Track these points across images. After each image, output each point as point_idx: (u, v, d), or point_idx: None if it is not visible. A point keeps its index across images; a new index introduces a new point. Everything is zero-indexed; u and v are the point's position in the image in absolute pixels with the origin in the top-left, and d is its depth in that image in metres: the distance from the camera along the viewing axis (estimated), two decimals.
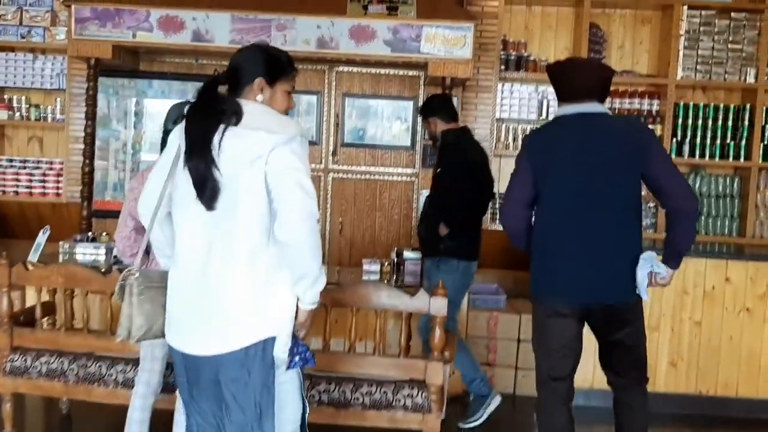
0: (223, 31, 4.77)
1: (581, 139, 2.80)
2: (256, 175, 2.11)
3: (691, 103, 5.60)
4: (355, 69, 5.37)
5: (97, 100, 5.30)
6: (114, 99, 5.37)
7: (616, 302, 2.82)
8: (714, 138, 5.58)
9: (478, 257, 4.15)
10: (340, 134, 5.40)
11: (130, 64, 5.30)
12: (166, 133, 3.14)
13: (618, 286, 2.80)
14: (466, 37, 4.75)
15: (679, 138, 5.55)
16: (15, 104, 5.66)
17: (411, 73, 5.38)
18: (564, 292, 2.82)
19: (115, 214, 4.52)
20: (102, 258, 4.34)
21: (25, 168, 5.64)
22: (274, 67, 2.34)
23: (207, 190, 2.12)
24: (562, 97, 2.92)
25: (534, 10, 5.71)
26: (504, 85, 5.57)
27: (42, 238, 4.28)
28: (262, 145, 2.12)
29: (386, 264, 4.53)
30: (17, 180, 5.61)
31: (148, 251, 3.04)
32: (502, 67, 5.49)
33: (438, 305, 3.07)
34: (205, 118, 2.15)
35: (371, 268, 4.51)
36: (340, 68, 5.37)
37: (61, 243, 4.60)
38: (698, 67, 5.56)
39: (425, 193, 5.26)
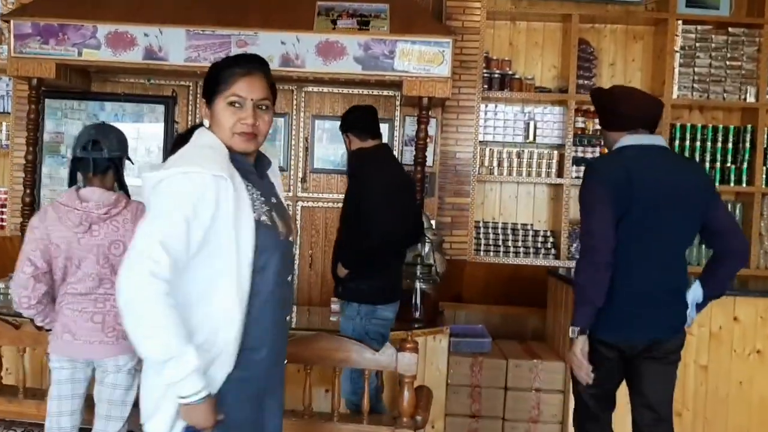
0: (177, 47, 4.35)
1: (660, 173, 2.62)
2: None
3: (688, 125, 5.23)
4: (325, 89, 4.95)
5: (44, 125, 4.89)
6: (63, 123, 4.93)
7: (672, 336, 2.75)
8: (713, 161, 5.19)
9: (394, 299, 3.56)
10: (310, 159, 4.96)
11: (80, 84, 4.86)
12: (77, 160, 2.70)
13: (675, 322, 2.75)
14: (444, 54, 4.34)
15: None
16: None
17: (385, 92, 4.97)
18: (637, 330, 2.67)
19: None
20: None
21: None
22: (208, 78, 1.92)
23: None
24: (623, 126, 2.71)
25: (519, 26, 5.33)
26: (487, 105, 5.17)
27: None
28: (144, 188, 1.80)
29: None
30: None
31: (54, 299, 2.60)
32: (485, 86, 5.10)
33: (407, 362, 2.62)
34: None
35: (339, 308, 4.05)
36: (309, 88, 4.96)
37: None
38: (695, 85, 5.19)
39: None
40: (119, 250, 2.55)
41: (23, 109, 4.86)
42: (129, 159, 2.85)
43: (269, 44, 4.33)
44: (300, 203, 4.98)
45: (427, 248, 4.14)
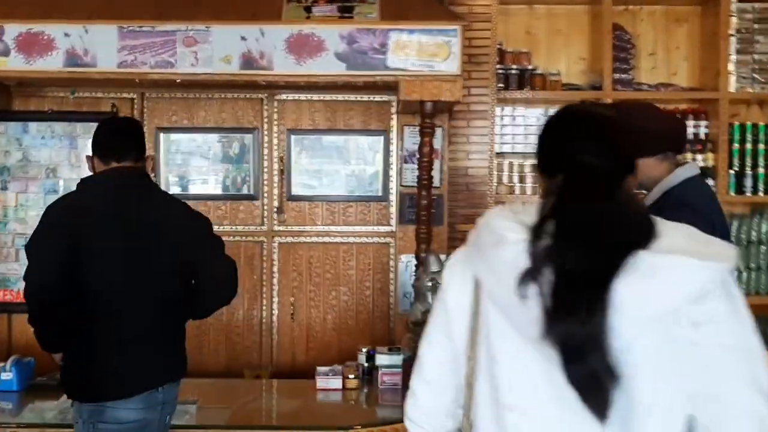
0: (108, 49, 3.38)
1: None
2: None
3: (748, 123, 4.26)
4: (302, 96, 3.98)
5: None
6: None
7: None
8: None
9: (136, 390, 2.40)
10: (287, 184, 3.98)
11: None
12: None
13: None
14: (450, 45, 3.38)
15: (737, 168, 4.19)
16: None
17: (378, 97, 4.00)
18: None
19: None
20: None
21: None
22: None
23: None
24: (654, 150, 2.33)
25: (537, 11, 4.37)
26: (503, 108, 4.20)
27: None
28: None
29: (351, 376, 3.11)
30: None
31: None
32: (500, 85, 4.13)
33: None
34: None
35: (329, 383, 3.10)
36: (282, 95, 3.98)
37: None
38: (755, 75, 4.23)
39: (406, 258, 3.87)
40: None
41: None
42: None
43: (225, 41, 3.37)
44: (276, 239, 4.00)
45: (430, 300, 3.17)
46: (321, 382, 3.08)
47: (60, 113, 3.93)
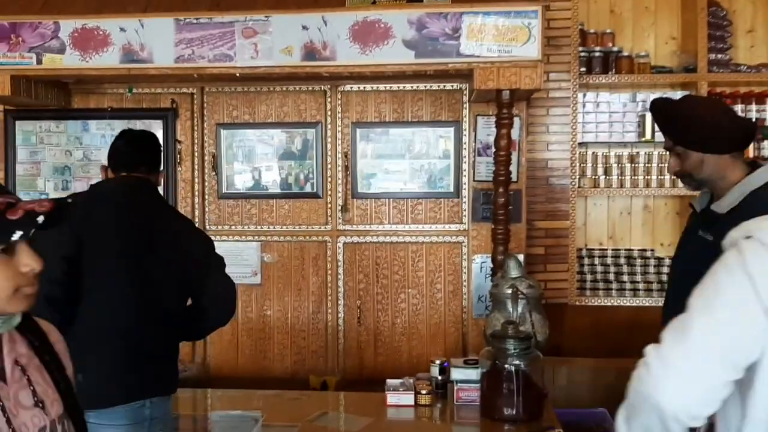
0: (164, 44, 3.21)
1: None
2: None
3: None
4: (368, 87, 3.74)
5: (15, 154, 3.85)
6: (39, 150, 3.87)
7: None
8: None
9: (107, 403, 2.28)
10: (352, 181, 3.76)
11: (56, 100, 3.79)
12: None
13: None
14: (530, 28, 3.07)
15: None
16: None
17: (449, 86, 3.72)
18: None
19: None
20: None
21: None
22: None
23: None
24: (728, 147, 2.22)
25: None
26: (586, 94, 3.87)
27: None
28: None
29: (423, 392, 2.87)
30: None
31: None
32: (582, 69, 3.80)
33: None
34: None
35: (400, 399, 2.86)
36: (347, 87, 3.75)
37: None
38: None
39: (480, 258, 3.60)
40: None
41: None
42: None
43: (286, 31, 3.15)
44: (341, 239, 3.78)
45: (520, 308, 2.90)
46: (392, 398, 2.85)
47: (119, 111, 3.80)
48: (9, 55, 3.29)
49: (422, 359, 3.52)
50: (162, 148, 2.68)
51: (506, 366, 2.73)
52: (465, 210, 3.74)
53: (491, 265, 3.39)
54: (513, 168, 3.50)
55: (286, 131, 3.76)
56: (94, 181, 3.82)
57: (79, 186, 3.83)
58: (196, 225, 3.54)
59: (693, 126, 2.25)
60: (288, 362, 3.80)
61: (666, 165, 3.76)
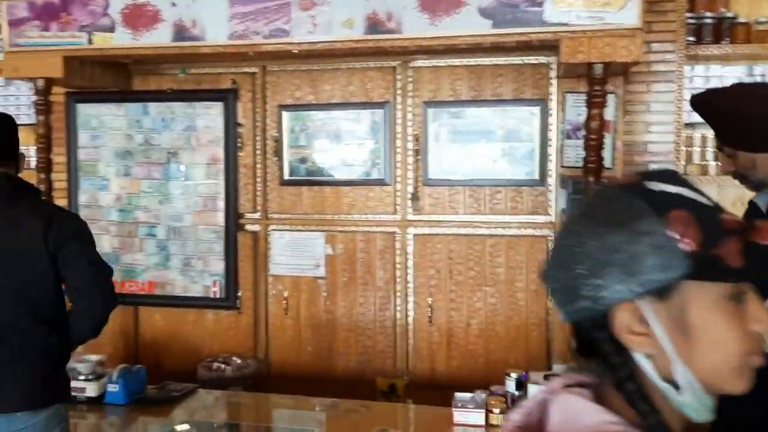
0: (217, 19, 2.96)
1: None
2: None
3: None
4: (441, 62, 3.37)
5: (76, 139, 3.73)
6: (100, 135, 3.73)
7: None
8: None
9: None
10: (423, 166, 3.41)
11: (116, 82, 3.63)
12: None
13: None
14: None
15: None
16: None
17: (533, 59, 3.30)
18: None
19: None
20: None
21: None
22: None
23: None
24: None
25: None
26: (694, 68, 3.36)
27: None
28: None
29: (496, 410, 2.52)
30: None
31: None
32: (690, 38, 3.28)
33: None
34: None
35: (469, 418, 2.53)
36: (418, 62, 3.39)
37: None
38: None
39: None
40: None
41: (60, 119, 3.71)
42: None
43: (346, 2, 2.83)
44: (411, 230, 3.45)
45: None
46: (459, 416, 2.52)
47: (178, 93, 3.60)
48: (60, 34, 3.13)
49: (500, 365, 3.16)
50: (14, 128, 2.36)
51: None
52: (551, 200, 3.33)
53: None
54: (607, 153, 3.07)
55: (352, 112, 3.45)
56: (154, 168, 3.67)
57: (140, 172, 3.67)
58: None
59: (738, 124, 1.98)
60: (353, 361, 3.52)
61: None
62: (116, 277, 3.63)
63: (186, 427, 2.56)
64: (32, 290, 2.19)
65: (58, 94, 3.60)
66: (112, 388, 2.76)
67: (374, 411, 2.74)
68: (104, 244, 3.71)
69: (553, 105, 3.29)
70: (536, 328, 3.35)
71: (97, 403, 2.76)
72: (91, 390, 2.78)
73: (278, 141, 3.51)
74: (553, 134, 3.30)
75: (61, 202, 3.61)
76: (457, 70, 3.36)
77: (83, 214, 3.70)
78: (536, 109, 3.31)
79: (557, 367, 2.80)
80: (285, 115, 3.51)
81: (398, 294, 3.47)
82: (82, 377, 2.83)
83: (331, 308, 3.52)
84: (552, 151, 3.30)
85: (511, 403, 2.63)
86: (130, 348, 3.77)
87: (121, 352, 3.71)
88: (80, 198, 3.74)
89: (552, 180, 3.31)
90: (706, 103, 2.15)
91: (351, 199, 3.48)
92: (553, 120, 3.29)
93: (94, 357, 2.97)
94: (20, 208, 2.20)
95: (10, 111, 4.10)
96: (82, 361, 2.89)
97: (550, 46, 2.97)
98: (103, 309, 2.27)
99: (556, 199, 3.30)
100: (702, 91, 2.31)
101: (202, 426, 2.59)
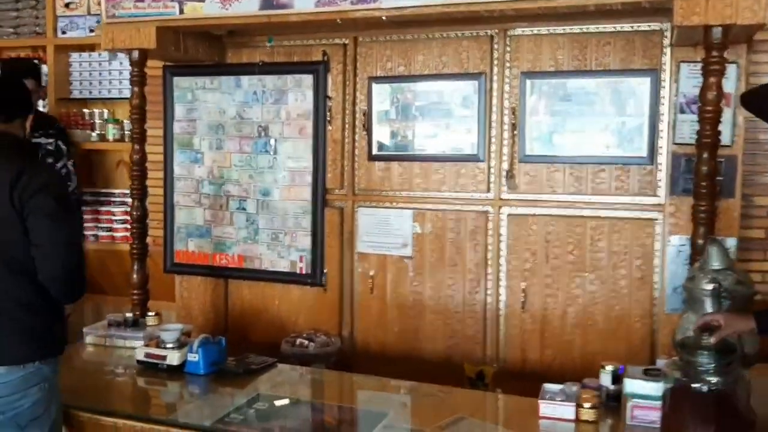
0: None
1: None
2: None
3: None
4: (542, 29, 3.13)
5: (172, 112, 3.77)
6: (195, 108, 3.75)
7: None
8: None
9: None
10: (520, 143, 3.19)
11: (210, 54, 3.63)
12: None
13: None
14: None
15: None
16: (97, 120, 4.37)
17: (644, 26, 3.01)
18: None
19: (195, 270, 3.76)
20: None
21: (110, 205, 4.35)
22: None
23: None
24: None
25: None
26: None
27: None
28: None
29: (586, 405, 2.31)
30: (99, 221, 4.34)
31: None
32: None
33: None
34: None
35: (556, 411, 2.32)
36: (517, 30, 3.17)
37: (85, 330, 3.16)
38: None
39: (678, 240, 2.92)
40: None
41: (158, 93, 3.77)
42: None
43: None
44: (505, 210, 3.25)
45: (723, 310, 2.21)
46: (546, 409, 2.32)
47: (269, 65, 3.55)
48: (153, 5, 3.14)
49: (598, 358, 2.89)
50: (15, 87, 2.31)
51: (697, 385, 2.10)
52: (661, 180, 3.03)
53: (691, 252, 2.69)
54: (725, 128, 2.76)
55: (445, 84, 3.28)
56: (245, 142, 3.65)
57: (232, 146, 3.66)
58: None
59: None
60: (440, 345, 3.38)
61: None
62: (209, 249, 3.71)
63: (286, 401, 2.50)
64: (3, 243, 2.11)
65: (154, 67, 3.64)
66: (192, 357, 2.75)
67: (454, 397, 2.58)
68: (197, 217, 3.75)
69: (666, 76, 2.99)
70: (639, 320, 3.08)
71: (178, 371, 2.76)
72: (173, 358, 2.78)
73: (367, 114, 3.40)
74: (665, 108, 3.00)
75: (155, 174, 3.66)
76: (559, 39, 3.11)
77: (177, 186, 3.75)
78: (646, 81, 3.02)
79: (661, 362, 2.54)
80: (375, 87, 3.38)
81: (489, 277, 3.28)
82: (167, 345, 2.84)
83: (419, 289, 3.38)
84: (663, 126, 3.00)
85: (605, 398, 2.40)
86: (220, 320, 3.79)
87: (211, 323, 3.75)
88: (175, 170, 3.79)
89: (662, 158, 3.02)
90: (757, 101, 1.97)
91: (441, 175, 3.32)
92: (665, 92, 3.00)
93: (180, 326, 2.98)
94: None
95: (114, 85, 4.25)
96: (167, 330, 2.90)
97: (663, 9, 2.68)
98: (62, 269, 2.14)
99: (667, 179, 3.00)
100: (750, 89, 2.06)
101: (271, 400, 2.52)
